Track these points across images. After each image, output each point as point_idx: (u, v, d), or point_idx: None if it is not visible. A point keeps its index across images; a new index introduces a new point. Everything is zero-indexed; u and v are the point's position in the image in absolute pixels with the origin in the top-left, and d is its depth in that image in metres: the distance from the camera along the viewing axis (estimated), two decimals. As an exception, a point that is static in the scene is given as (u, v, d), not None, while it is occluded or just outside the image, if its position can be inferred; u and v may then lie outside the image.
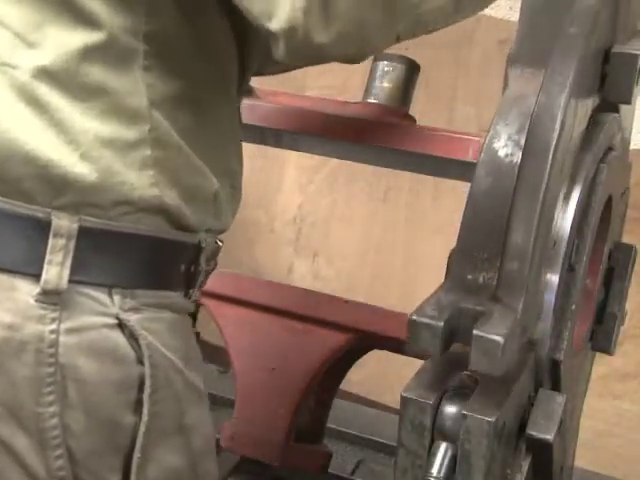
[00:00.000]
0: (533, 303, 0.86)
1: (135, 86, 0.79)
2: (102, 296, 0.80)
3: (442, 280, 0.85)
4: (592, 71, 0.91)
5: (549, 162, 0.81)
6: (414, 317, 0.78)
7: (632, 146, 1.21)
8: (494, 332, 0.75)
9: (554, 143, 0.82)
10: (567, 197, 0.93)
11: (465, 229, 0.85)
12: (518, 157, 0.83)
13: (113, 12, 0.76)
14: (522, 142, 0.84)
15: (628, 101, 0.96)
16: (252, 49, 0.90)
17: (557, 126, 0.82)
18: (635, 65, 0.93)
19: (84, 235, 0.78)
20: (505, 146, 0.85)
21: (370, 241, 2.19)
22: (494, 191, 0.83)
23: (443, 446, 0.79)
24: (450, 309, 0.79)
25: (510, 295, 0.80)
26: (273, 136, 1.19)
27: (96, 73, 0.77)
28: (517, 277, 0.80)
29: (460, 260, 0.84)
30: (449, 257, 0.86)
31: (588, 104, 0.93)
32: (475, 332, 0.76)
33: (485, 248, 0.84)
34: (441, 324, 0.77)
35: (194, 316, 0.94)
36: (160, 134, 0.80)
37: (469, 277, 0.84)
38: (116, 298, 0.80)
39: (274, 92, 1.21)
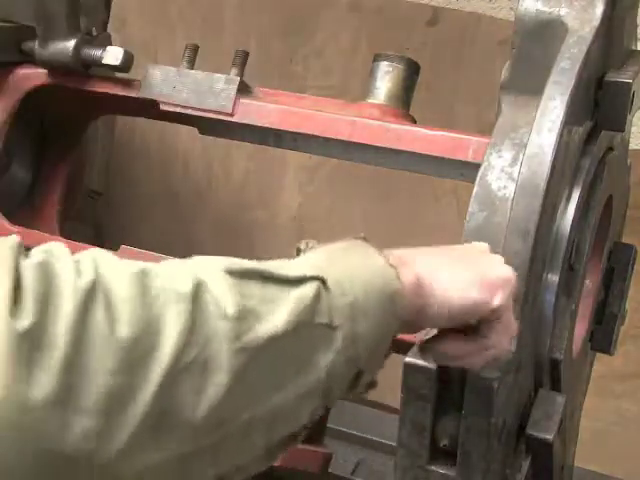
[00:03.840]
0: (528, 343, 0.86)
1: None
2: None
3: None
4: (585, 99, 0.91)
5: (541, 201, 0.82)
6: (408, 359, 0.79)
7: (632, 146, 1.21)
8: (488, 373, 0.75)
9: (546, 183, 0.82)
10: (567, 197, 0.93)
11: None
12: (511, 190, 0.83)
13: None
14: (515, 174, 0.83)
15: (622, 129, 0.96)
16: None
17: (549, 164, 0.82)
18: (628, 94, 0.92)
19: None
20: (498, 179, 0.84)
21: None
22: (488, 227, 0.83)
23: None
24: None
25: None
26: (273, 136, 1.19)
27: None
28: None
29: None
30: None
31: (582, 129, 0.92)
32: (469, 374, 0.76)
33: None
34: (435, 367, 0.78)
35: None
36: None
37: None
38: None
39: (274, 92, 1.21)
